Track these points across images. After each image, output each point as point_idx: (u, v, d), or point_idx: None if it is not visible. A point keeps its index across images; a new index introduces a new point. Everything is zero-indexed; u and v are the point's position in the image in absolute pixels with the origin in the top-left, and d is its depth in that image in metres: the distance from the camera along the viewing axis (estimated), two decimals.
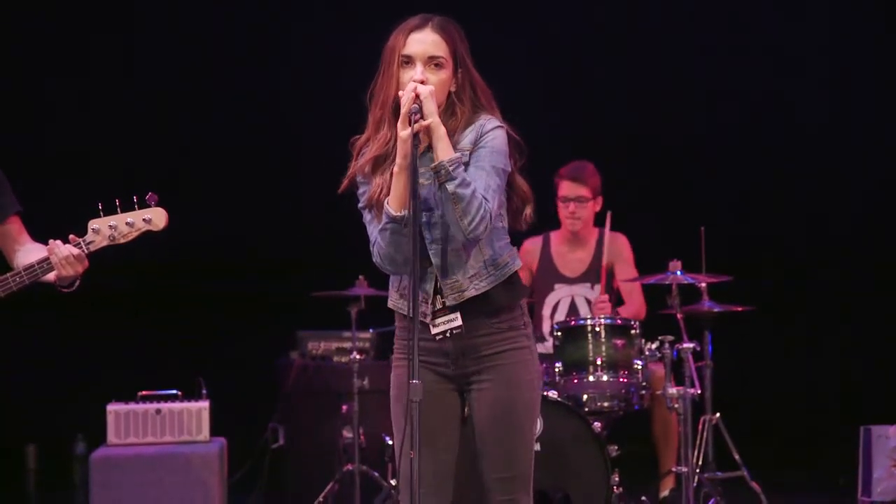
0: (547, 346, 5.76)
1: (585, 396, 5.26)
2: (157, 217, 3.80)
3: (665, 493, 5.76)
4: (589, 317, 5.58)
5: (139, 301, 7.50)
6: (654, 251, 5.94)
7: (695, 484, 5.35)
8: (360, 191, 3.39)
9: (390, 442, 5.61)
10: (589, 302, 5.96)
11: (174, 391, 5.41)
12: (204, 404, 5.37)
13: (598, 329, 5.33)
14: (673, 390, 5.28)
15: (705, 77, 7.64)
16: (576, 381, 5.29)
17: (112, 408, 5.33)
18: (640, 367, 5.32)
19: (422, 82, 3.24)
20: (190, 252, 7.53)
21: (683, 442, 5.32)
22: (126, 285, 7.13)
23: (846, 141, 7.71)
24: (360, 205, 3.40)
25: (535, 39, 7.57)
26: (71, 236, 3.78)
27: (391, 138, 3.29)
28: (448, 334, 3.30)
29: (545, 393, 5.12)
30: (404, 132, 3.18)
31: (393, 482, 5.42)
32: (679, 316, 5.47)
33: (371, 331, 6.32)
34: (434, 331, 3.31)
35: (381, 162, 3.32)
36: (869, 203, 7.75)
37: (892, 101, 7.65)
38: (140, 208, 3.78)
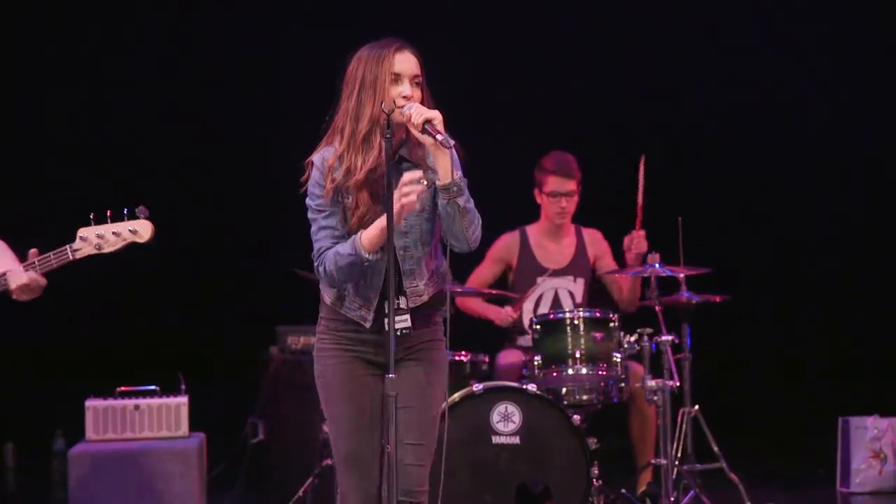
0: (528, 339, 5.76)
1: (564, 389, 5.27)
2: (143, 229, 3.91)
3: (643, 486, 5.77)
4: (568, 310, 5.60)
5: (117, 297, 7.48)
6: None
7: (674, 476, 5.37)
8: (317, 192, 3.59)
9: None
10: (572, 294, 5.96)
11: (153, 387, 5.39)
12: (183, 399, 5.36)
13: (576, 322, 5.34)
14: (652, 383, 5.30)
15: (684, 72, 7.67)
16: (555, 373, 5.30)
17: (90, 404, 5.31)
18: (618, 359, 5.34)
19: (410, 97, 3.50)
20: (170, 248, 7.51)
21: (662, 434, 5.34)
22: (104, 281, 7.10)
23: (825, 133, 7.74)
24: (316, 205, 3.59)
25: (533, 34, 7.59)
26: (32, 251, 3.87)
27: (380, 151, 3.48)
28: (399, 333, 3.53)
29: (524, 386, 5.13)
30: (409, 188, 3.39)
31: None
32: (658, 308, 5.49)
33: None
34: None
35: (372, 175, 3.50)
36: (848, 194, 7.79)
37: (869, 88, 7.70)
38: (130, 219, 3.89)
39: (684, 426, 5.62)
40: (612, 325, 5.37)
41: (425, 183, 3.45)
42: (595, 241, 6.06)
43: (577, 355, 5.30)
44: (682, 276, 5.60)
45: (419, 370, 3.63)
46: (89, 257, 3.88)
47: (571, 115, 7.44)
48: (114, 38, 7.50)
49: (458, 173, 3.47)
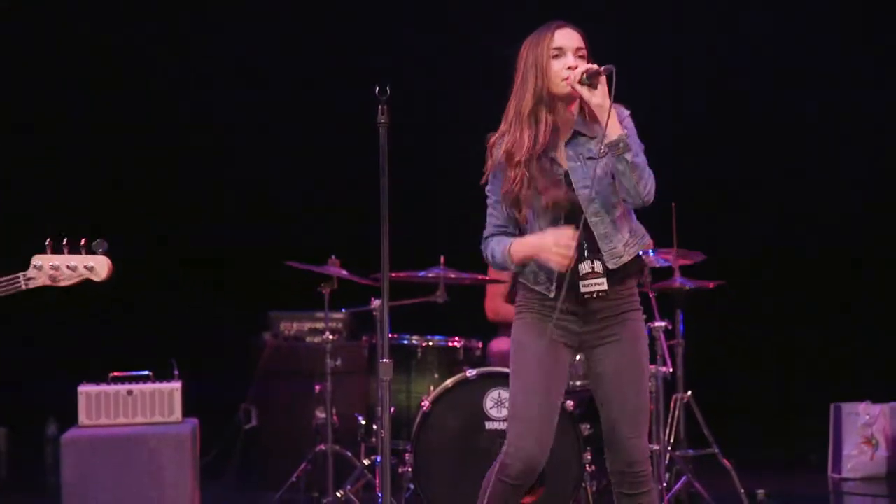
0: None
1: None
2: (99, 266, 3.61)
3: None
4: None
5: (110, 282, 7.47)
6: None
7: (666, 462, 5.38)
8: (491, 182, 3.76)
9: (363, 422, 5.62)
10: None
11: (146, 372, 5.38)
12: (176, 385, 5.35)
13: None
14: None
15: (679, 56, 7.67)
16: None
17: (83, 389, 5.29)
18: None
19: (575, 67, 3.64)
20: (162, 233, 7.52)
21: (655, 420, 5.34)
22: None
23: (819, 121, 7.75)
24: (488, 188, 3.79)
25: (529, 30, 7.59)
26: None
27: (547, 126, 3.67)
28: (595, 295, 3.69)
29: None
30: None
31: (369, 463, 5.45)
32: (651, 295, 5.49)
33: (343, 311, 6.32)
34: (583, 290, 3.69)
35: (536, 153, 3.67)
36: (839, 181, 7.80)
37: (861, 71, 7.71)
38: (88, 253, 3.59)
39: (677, 412, 5.63)
40: None
41: (577, 232, 3.60)
42: None
43: None
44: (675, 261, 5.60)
45: (620, 346, 3.74)
46: (43, 288, 3.59)
47: None
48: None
49: (622, 129, 3.60)
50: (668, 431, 5.47)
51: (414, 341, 5.43)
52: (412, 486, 5.06)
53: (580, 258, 3.68)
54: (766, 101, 7.78)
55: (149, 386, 5.33)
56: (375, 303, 5.39)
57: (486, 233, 3.84)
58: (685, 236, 5.60)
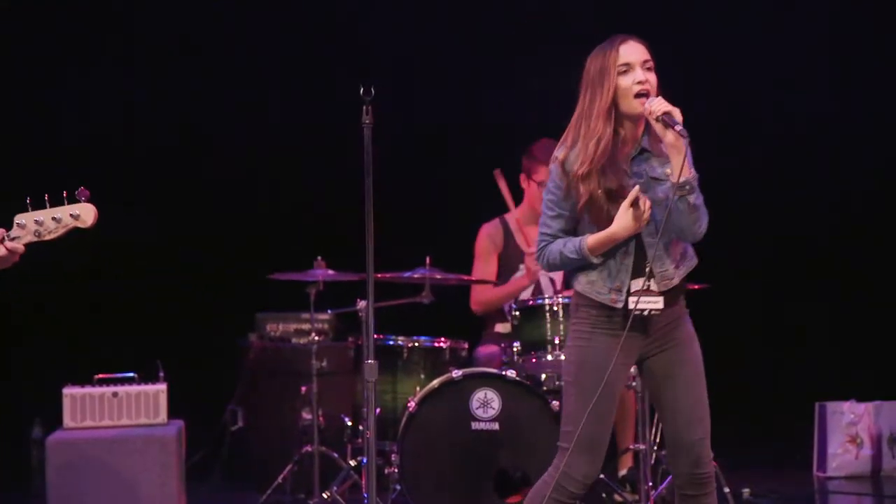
0: (506, 327, 5.76)
1: (544, 375, 5.27)
2: (84, 213, 3.57)
3: (623, 471, 5.79)
4: (547, 296, 5.60)
5: (96, 282, 7.45)
6: None
7: (652, 461, 5.39)
8: (551, 188, 3.79)
9: (349, 423, 5.62)
10: (552, 280, 5.96)
11: (131, 374, 5.38)
12: (161, 387, 5.35)
13: (555, 308, 5.33)
14: (631, 368, 5.30)
15: (672, 58, 7.66)
16: (534, 360, 5.29)
17: (68, 391, 5.29)
18: None
19: (645, 81, 3.70)
20: (148, 233, 7.50)
21: (641, 419, 5.36)
22: (83, 266, 7.08)
23: (804, 118, 7.76)
24: (548, 200, 3.80)
25: (524, 28, 7.58)
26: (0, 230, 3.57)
27: (608, 140, 3.70)
28: (648, 313, 3.73)
29: (503, 373, 5.13)
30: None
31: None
32: None
33: (329, 312, 6.31)
34: (638, 307, 3.73)
35: (600, 167, 3.72)
36: (825, 181, 7.81)
37: (842, 73, 7.73)
38: (70, 203, 3.55)
39: None
40: None
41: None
42: None
43: (557, 341, 5.28)
44: None
45: (679, 350, 3.81)
46: (29, 245, 3.56)
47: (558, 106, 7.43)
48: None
49: (692, 171, 3.65)
50: (654, 431, 5.48)
51: (400, 342, 5.43)
52: (398, 487, 5.06)
53: (633, 275, 3.76)
54: (764, 106, 7.80)
55: (134, 388, 5.33)
56: (361, 304, 5.38)
57: (541, 240, 3.83)
58: None
